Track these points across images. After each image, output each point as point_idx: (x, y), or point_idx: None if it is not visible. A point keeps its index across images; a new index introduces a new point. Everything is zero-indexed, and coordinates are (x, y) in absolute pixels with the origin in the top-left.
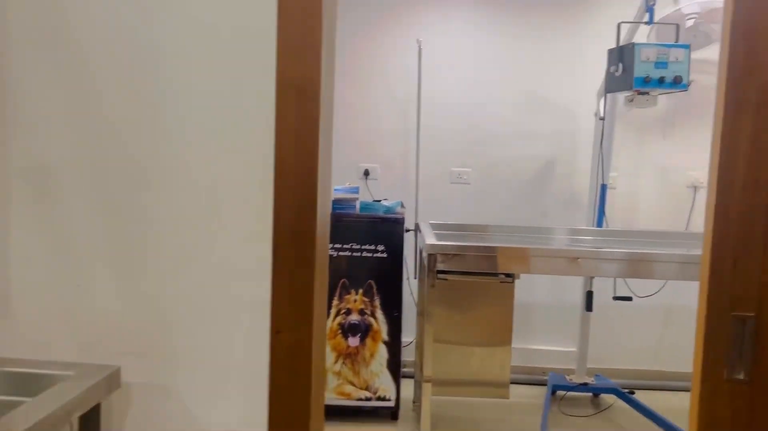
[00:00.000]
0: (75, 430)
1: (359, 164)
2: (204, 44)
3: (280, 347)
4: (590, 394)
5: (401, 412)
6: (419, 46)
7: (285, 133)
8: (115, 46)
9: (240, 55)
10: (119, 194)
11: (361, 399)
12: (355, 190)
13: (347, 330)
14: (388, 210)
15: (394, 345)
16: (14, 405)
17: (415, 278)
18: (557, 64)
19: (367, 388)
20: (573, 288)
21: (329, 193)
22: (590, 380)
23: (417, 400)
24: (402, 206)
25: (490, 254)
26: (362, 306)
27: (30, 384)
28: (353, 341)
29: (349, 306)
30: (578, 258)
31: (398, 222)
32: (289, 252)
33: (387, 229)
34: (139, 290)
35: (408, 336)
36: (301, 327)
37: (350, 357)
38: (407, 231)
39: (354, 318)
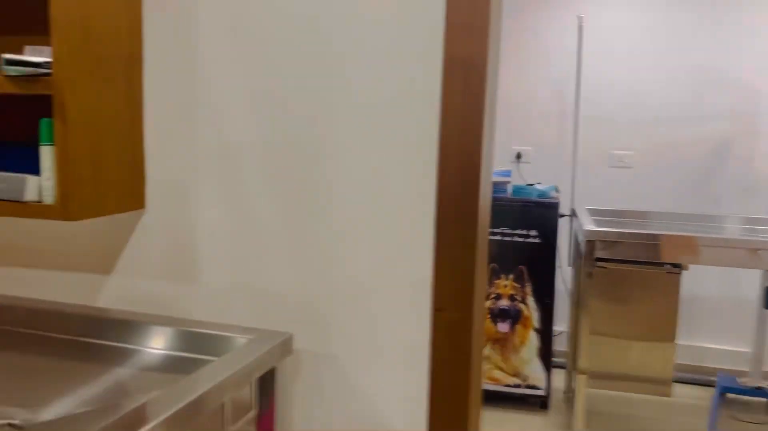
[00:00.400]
0: (254, 390)
1: (511, 147)
2: (372, 26)
3: (442, 325)
4: (766, 400)
5: (552, 402)
6: (580, 23)
7: (450, 112)
8: (292, 33)
9: (407, 34)
10: (295, 173)
11: (509, 386)
12: (508, 174)
13: (497, 315)
14: (542, 194)
15: (545, 333)
16: (200, 362)
17: (569, 266)
18: (735, 38)
19: (516, 375)
20: (748, 282)
21: (491, 173)
22: (766, 384)
23: (568, 391)
24: (556, 190)
25: (654, 242)
26: (512, 292)
27: (213, 344)
28: (503, 326)
29: (498, 291)
30: (758, 249)
31: (552, 206)
32: (451, 232)
33: (540, 214)
34: (311, 263)
35: (559, 325)
36: (463, 307)
37: (499, 342)
38: (562, 216)
39: (504, 303)
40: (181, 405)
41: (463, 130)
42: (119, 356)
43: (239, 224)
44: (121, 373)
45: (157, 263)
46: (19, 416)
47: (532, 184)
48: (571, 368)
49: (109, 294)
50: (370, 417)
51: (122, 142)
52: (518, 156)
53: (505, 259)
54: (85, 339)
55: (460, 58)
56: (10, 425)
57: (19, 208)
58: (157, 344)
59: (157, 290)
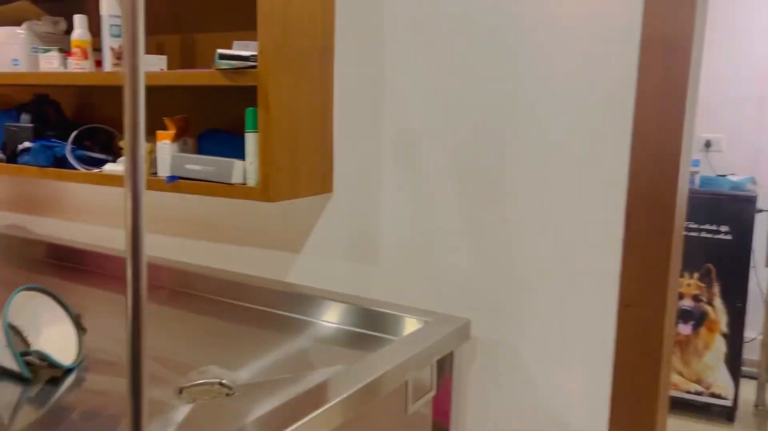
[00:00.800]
0: (434, 372)
1: (699, 134)
2: (564, 6)
3: (629, 322)
4: None
5: (739, 414)
6: None
7: (647, 93)
8: (477, 22)
9: (601, 9)
10: (476, 161)
11: (690, 392)
12: (696, 163)
13: (678, 315)
14: (736, 186)
15: (734, 339)
16: (375, 339)
17: (766, 266)
18: None
19: (697, 381)
20: None
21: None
22: None
23: (761, 404)
24: (753, 182)
25: None
26: (697, 292)
27: (393, 324)
28: (684, 328)
29: (681, 290)
30: None
31: (748, 200)
32: (642, 222)
33: (733, 208)
34: (491, 250)
35: (752, 331)
36: (653, 303)
37: (679, 345)
38: (759, 212)
39: (686, 303)
40: (369, 379)
41: (662, 111)
42: (302, 327)
43: (420, 210)
44: (302, 344)
45: (342, 244)
46: (224, 376)
47: (723, 175)
48: (765, 379)
49: (298, 271)
50: (546, 411)
51: (315, 129)
52: (707, 144)
53: (689, 256)
54: (273, 310)
55: (661, 36)
56: (220, 384)
57: (226, 189)
58: (337, 319)
59: (341, 269)
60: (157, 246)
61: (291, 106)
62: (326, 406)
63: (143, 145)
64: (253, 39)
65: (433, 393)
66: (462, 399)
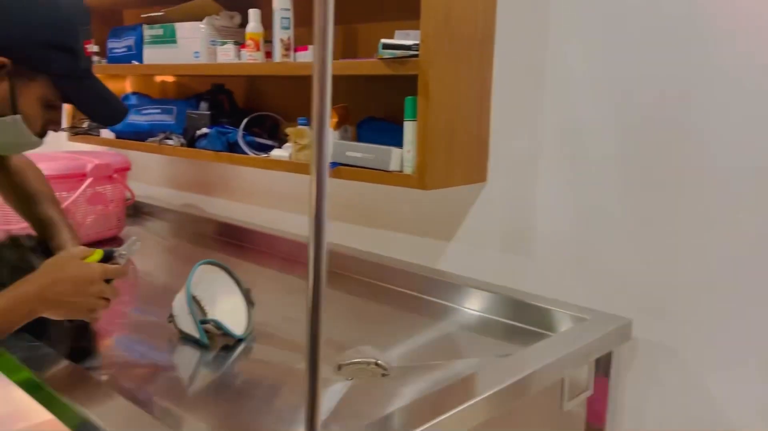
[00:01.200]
0: (591, 371)
1: None
2: None
3: None
4: None
5: None
6: None
7: None
8: (652, 2)
9: None
10: (645, 152)
11: None
12: None
13: None
14: None
15: None
16: (531, 333)
17: None
18: None
19: None
20: None
21: None
22: None
23: None
24: None
25: None
26: None
27: (546, 318)
28: None
29: None
30: None
31: None
32: None
33: None
34: (659, 247)
35: None
36: None
37: None
38: None
39: None
40: (526, 372)
41: None
42: (450, 315)
43: (581, 203)
44: (451, 331)
45: (494, 234)
46: (378, 356)
47: None
48: None
49: (448, 259)
50: (714, 425)
51: (472, 118)
52: None
53: None
54: (423, 295)
55: None
56: (376, 364)
57: (384, 176)
58: (486, 309)
59: (492, 259)
60: None
61: (450, 94)
62: (482, 396)
63: (329, 133)
64: (414, 28)
65: (588, 393)
66: (619, 402)
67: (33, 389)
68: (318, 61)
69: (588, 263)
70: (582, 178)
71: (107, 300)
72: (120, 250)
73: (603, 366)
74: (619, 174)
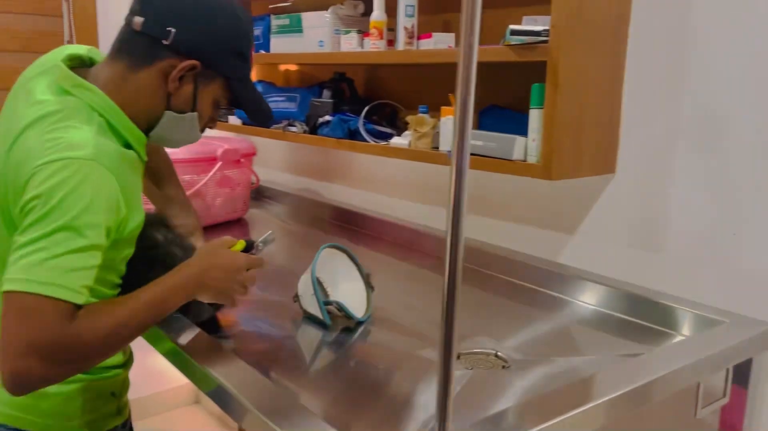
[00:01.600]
0: (729, 378)
1: None
2: None
3: None
4: None
5: None
6: None
7: None
8: None
9: None
10: None
11: None
12: None
13: None
14: None
15: None
16: (659, 333)
17: None
18: None
19: None
20: None
21: None
22: None
23: None
24: None
25: None
26: None
27: (676, 318)
28: None
29: None
30: None
31: None
32: None
33: None
34: None
35: None
36: None
37: None
38: None
39: None
40: (660, 373)
41: None
42: (571, 310)
43: (719, 199)
44: (571, 326)
45: (622, 228)
46: (496, 348)
47: None
48: None
49: (570, 253)
50: None
51: (602, 106)
52: None
53: None
54: (542, 289)
55: None
56: (496, 355)
57: (506, 165)
58: (610, 305)
59: (618, 255)
60: (431, 217)
61: (579, 81)
62: (613, 395)
63: (470, 122)
64: (543, 14)
65: (724, 401)
66: (756, 413)
67: (173, 356)
68: (465, 48)
69: (727, 262)
70: (723, 171)
71: (246, 287)
72: (258, 242)
73: (741, 374)
74: (765, 166)
